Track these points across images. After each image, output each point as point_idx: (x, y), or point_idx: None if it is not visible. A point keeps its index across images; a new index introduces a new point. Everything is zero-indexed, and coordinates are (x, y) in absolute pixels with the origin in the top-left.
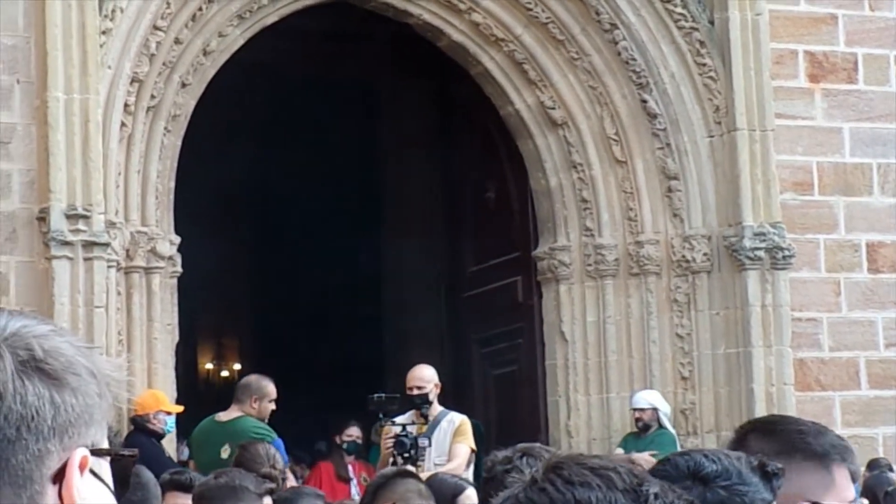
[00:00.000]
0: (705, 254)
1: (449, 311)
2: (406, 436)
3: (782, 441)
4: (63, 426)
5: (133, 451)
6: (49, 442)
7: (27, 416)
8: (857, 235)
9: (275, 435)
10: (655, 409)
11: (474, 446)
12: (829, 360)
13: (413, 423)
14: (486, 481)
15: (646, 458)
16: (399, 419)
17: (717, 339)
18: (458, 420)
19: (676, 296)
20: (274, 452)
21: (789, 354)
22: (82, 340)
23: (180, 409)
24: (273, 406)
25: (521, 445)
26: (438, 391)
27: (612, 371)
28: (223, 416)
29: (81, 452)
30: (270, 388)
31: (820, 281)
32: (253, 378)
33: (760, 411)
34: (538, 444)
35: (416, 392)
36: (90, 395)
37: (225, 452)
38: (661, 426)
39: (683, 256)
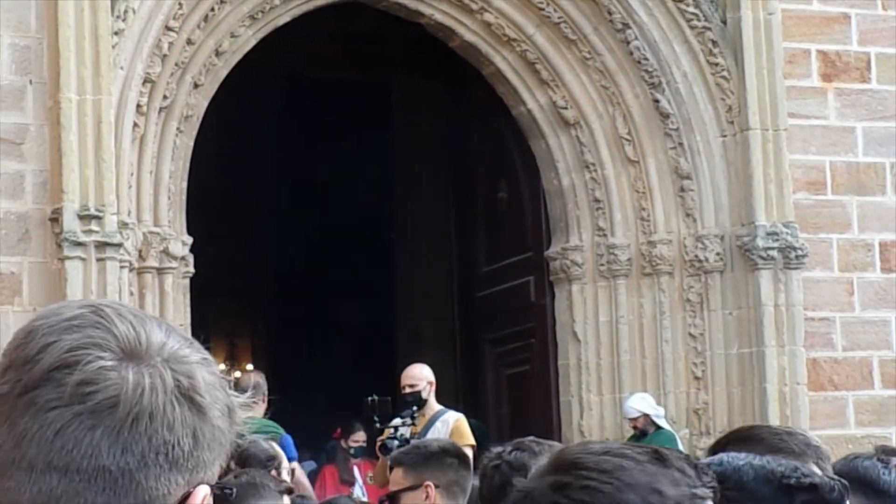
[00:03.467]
0: (718, 253)
1: (461, 312)
2: (395, 438)
3: (762, 445)
4: (196, 461)
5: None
6: (181, 475)
7: (170, 443)
8: (869, 235)
9: (282, 431)
10: (647, 415)
11: (474, 443)
12: (843, 360)
13: (403, 425)
14: (481, 478)
15: None
16: (394, 422)
17: (730, 339)
18: (452, 420)
19: (689, 295)
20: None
21: (802, 354)
22: (218, 367)
23: None
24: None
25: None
26: (433, 389)
27: (625, 371)
28: None
29: (204, 490)
30: (251, 383)
31: (833, 280)
32: (241, 378)
33: (773, 411)
34: (529, 438)
35: (408, 391)
36: (224, 432)
37: None
38: (658, 427)
39: (696, 256)
